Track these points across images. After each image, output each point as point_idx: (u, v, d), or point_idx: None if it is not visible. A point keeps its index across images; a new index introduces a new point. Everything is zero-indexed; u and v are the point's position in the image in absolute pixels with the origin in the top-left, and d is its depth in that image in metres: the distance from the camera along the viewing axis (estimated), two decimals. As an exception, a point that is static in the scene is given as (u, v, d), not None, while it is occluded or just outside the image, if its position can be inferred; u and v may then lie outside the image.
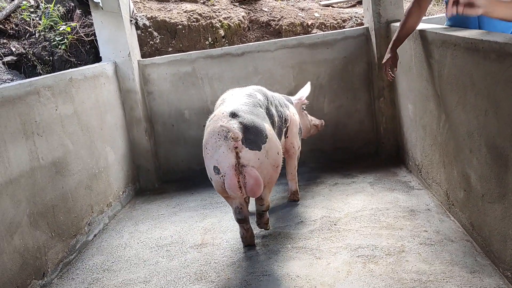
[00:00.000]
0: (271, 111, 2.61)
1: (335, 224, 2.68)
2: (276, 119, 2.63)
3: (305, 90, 3.27)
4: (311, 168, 3.76)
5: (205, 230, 2.87)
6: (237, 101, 2.44)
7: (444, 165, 2.60)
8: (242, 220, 2.44)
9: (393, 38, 2.78)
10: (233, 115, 2.26)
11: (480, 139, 2.03)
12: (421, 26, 2.86)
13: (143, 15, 4.08)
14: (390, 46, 2.79)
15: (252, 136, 2.21)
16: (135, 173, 3.82)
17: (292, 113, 3.00)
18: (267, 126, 2.32)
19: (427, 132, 2.83)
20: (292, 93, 3.54)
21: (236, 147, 2.16)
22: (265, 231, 2.69)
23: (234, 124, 2.20)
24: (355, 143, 3.92)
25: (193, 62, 3.76)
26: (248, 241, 2.53)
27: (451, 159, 2.45)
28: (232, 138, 2.13)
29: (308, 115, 3.40)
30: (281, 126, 2.74)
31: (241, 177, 2.18)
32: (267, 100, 2.66)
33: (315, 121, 3.46)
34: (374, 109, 3.83)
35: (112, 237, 2.98)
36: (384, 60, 2.81)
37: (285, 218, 2.87)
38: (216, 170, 2.23)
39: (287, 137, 2.92)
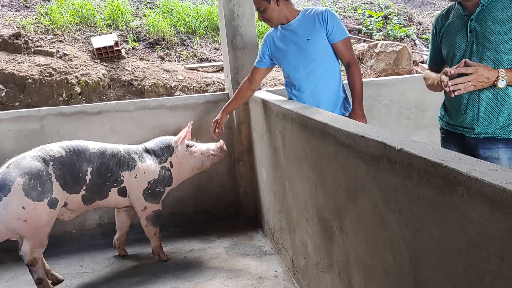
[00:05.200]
0: (79, 167, 2.77)
1: (182, 296, 2.57)
2: (87, 176, 2.80)
3: (181, 132, 3.21)
4: (170, 233, 3.62)
5: (36, 310, 2.55)
6: (26, 153, 2.72)
7: (289, 231, 2.68)
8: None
9: (226, 104, 3.21)
10: (7, 166, 2.62)
11: (312, 210, 2.14)
12: (269, 97, 3.03)
13: (-13, 66, 3.73)
14: (222, 109, 3.20)
15: None
16: (-37, 242, 3.30)
17: (138, 174, 2.95)
18: (18, 181, 2.53)
19: (277, 198, 2.93)
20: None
21: None
22: None
23: None
24: (216, 206, 3.91)
25: (42, 119, 3.49)
26: None
27: (294, 226, 2.54)
28: None
29: (198, 149, 3.19)
30: (101, 183, 2.85)
31: None
32: (79, 156, 2.79)
33: (209, 149, 3.22)
34: (235, 172, 3.89)
35: None
36: (214, 120, 3.21)
37: (132, 291, 2.68)
38: None
39: (127, 197, 2.97)
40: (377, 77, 5.24)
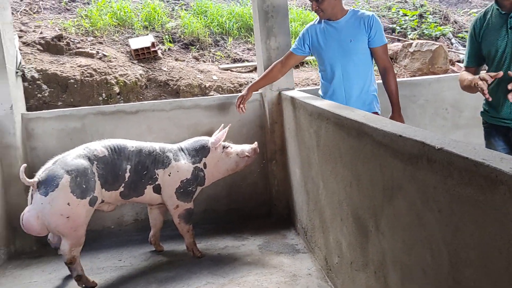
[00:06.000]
0: (119, 166, 2.85)
1: (217, 292, 2.63)
2: (126, 174, 2.88)
3: (219, 134, 3.21)
4: (203, 230, 3.70)
5: (78, 301, 2.66)
6: (70, 151, 2.81)
7: (323, 230, 2.70)
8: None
9: (254, 81, 3.37)
10: (54, 162, 2.71)
11: (347, 208, 2.15)
12: (302, 96, 3.05)
13: (32, 67, 3.89)
14: (248, 86, 3.37)
15: (44, 183, 2.61)
16: (10, 235, 3.47)
17: (171, 172, 3.01)
18: (66, 177, 2.61)
19: (310, 197, 2.95)
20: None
21: (33, 189, 2.63)
22: None
23: (41, 170, 2.69)
24: (248, 204, 3.96)
25: (83, 118, 3.63)
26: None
27: (328, 225, 2.56)
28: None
29: (233, 150, 3.24)
30: (137, 180, 2.93)
31: None
32: (119, 155, 2.87)
33: (244, 151, 3.26)
34: (267, 172, 3.93)
35: (-30, 311, 2.64)
36: (239, 95, 3.37)
37: (169, 285, 2.75)
38: None
39: (161, 194, 3.04)
40: (411, 76, 5.17)
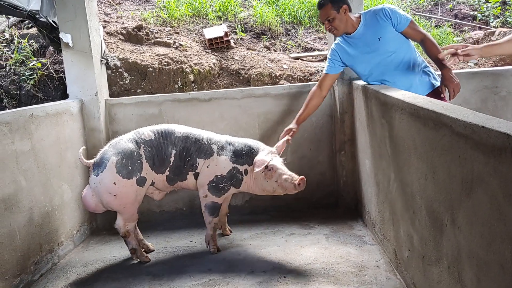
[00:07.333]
0: (165, 150, 2.96)
1: (284, 276, 2.68)
2: (171, 158, 2.98)
3: (265, 158, 2.93)
4: (271, 216, 3.77)
5: (153, 276, 2.82)
6: (124, 135, 3.03)
7: (393, 222, 2.65)
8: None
9: (298, 114, 3.29)
10: (108, 145, 2.96)
11: (421, 201, 2.10)
12: (375, 86, 3.00)
13: (114, 56, 4.14)
14: (295, 120, 3.29)
15: (97, 165, 2.89)
16: (92, 213, 3.74)
17: (210, 165, 2.98)
18: (113, 159, 2.84)
19: (380, 188, 2.90)
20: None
21: (90, 170, 2.94)
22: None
23: (98, 154, 2.97)
24: (316, 194, 3.97)
25: (160, 104, 3.81)
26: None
27: (399, 217, 2.51)
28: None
29: (275, 174, 2.90)
30: (181, 166, 3.01)
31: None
32: (165, 139, 2.98)
33: (285, 182, 2.88)
34: (336, 162, 3.91)
35: (59, 278, 2.90)
36: (286, 128, 3.27)
37: (237, 267, 2.85)
38: None
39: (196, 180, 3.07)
40: (493, 66, 4.88)
